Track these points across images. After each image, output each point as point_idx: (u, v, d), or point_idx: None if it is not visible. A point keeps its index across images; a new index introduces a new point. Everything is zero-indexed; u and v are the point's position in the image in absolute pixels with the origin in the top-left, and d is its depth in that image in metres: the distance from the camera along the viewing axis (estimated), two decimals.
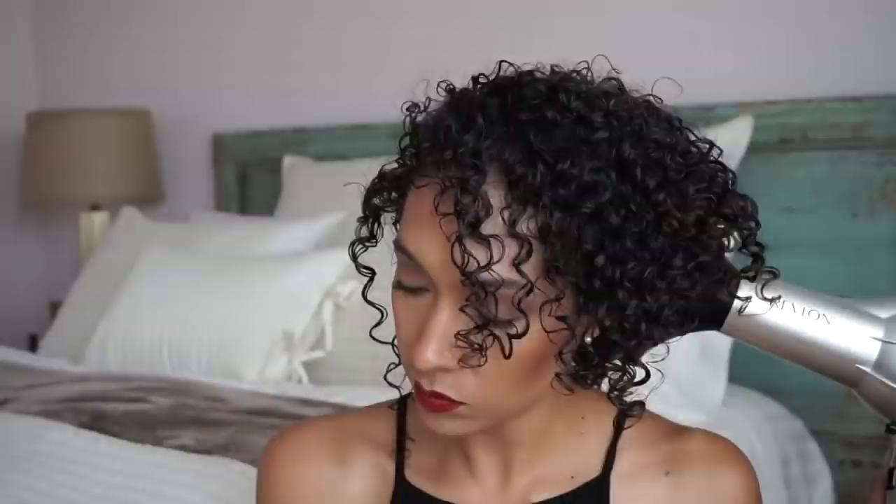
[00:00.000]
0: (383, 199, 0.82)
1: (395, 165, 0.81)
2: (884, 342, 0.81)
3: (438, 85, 0.79)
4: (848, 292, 2.43)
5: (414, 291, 0.77)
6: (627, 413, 0.85)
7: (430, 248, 0.74)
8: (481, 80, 0.78)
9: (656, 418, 0.89)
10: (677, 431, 0.88)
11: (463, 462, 0.87)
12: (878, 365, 0.81)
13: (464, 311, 0.73)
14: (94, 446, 1.59)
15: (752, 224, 0.81)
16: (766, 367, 2.22)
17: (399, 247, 0.77)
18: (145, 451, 1.55)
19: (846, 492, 2.15)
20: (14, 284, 3.47)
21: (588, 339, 0.77)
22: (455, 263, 0.71)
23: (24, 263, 3.51)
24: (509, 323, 0.73)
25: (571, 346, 0.77)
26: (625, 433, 0.86)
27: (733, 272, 0.81)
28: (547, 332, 0.73)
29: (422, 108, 0.80)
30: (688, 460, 0.85)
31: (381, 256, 0.83)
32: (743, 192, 0.81)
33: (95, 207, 3.07)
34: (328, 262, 2.23)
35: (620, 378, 0.80)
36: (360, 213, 0.84)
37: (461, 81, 0.79)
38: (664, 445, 0.86)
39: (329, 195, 2.60)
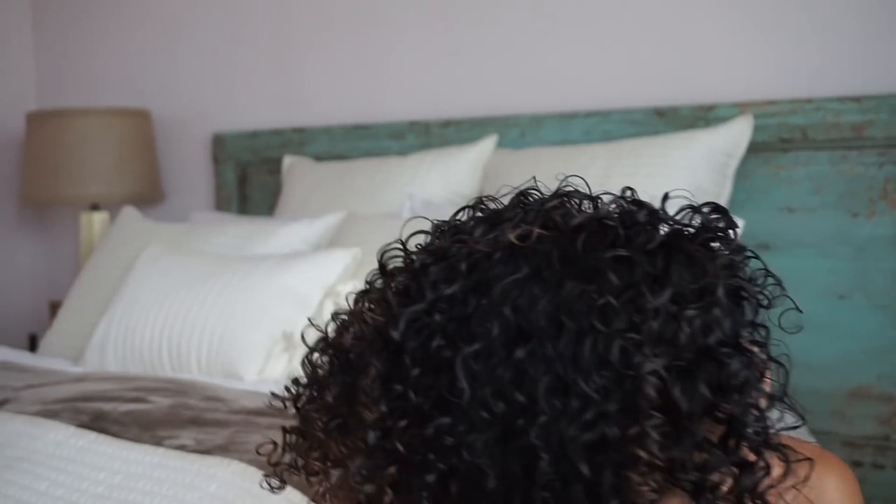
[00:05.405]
0: None
1: None
2: None
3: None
4: (848, 292, 2.42)
5: None
6: None
7: None
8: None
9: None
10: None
11: None
12: None
13: None
14: (94, 446, 1.58)
15: None
16: None
17: None
18: (145, 451, 1.54)
19: None
20: (14, 284, 3.47)
21: None
22: None
23: (24, 263, 3.51)
24: None
25: None
26: None
27: None
28: None
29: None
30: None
31: None
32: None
33: (95, 207, 3.07)
34: (328, 262, 2.23)
35: None
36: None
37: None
38: None
39: (329, 195, 2.61)
